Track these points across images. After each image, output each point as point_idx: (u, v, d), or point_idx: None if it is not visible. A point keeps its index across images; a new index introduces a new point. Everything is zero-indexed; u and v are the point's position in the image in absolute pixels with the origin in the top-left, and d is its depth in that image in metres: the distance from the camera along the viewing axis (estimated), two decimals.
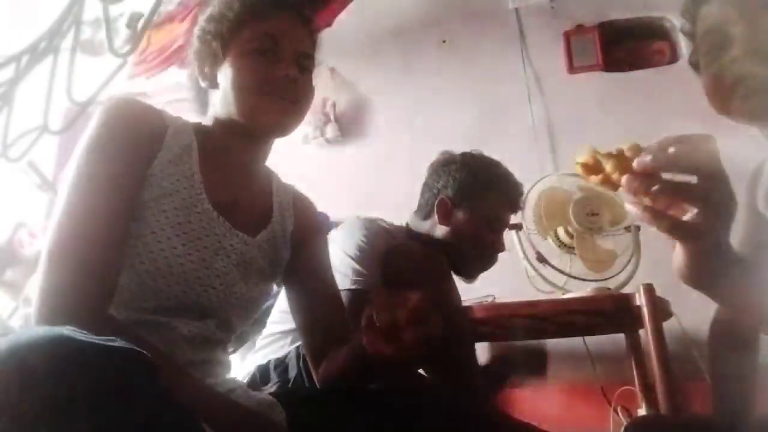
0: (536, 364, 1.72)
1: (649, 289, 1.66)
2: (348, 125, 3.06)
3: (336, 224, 1.64)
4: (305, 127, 2.92)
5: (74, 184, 0.82)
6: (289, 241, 1.04)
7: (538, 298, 1.87)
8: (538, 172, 2.12)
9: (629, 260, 1.86)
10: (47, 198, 2.96)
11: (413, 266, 1.37)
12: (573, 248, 1.85)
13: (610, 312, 1.84)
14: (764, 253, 0.99)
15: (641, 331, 1.95)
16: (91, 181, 0.82)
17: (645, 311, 1.64)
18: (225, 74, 0.93)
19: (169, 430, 0.55)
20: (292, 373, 1.26)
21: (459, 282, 1.61)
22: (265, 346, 1.39)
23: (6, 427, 0.49)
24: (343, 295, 1.25)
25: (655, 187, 0.58)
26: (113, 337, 0.56)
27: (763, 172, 1.04)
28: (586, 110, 2.70)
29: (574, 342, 2.20)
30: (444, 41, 3.06)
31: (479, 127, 2.78)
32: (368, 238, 1.41)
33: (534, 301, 1.82)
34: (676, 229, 0.60)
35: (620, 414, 2.05)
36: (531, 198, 1.86)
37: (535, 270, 1.88)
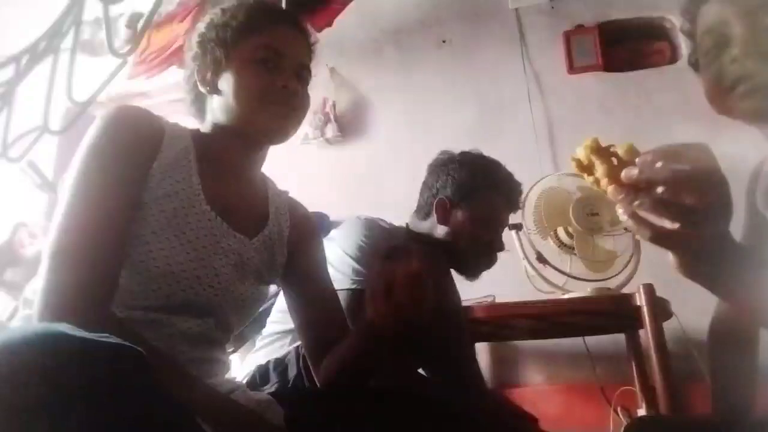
0: None
1: (649, 289, 1.66)
2: (348, 125, 3.05)
3: (336, 224, 1.64)
4: (305, 127, 2.92)
5: (76, 186, 0.83)
6: (285, 244, 1.06)
7: (538, 298, 1.87)
8: (538, 172, 2.12)
9: (629, 260, 1.86)
10: (47, 198, 2.96)
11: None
12: (573, 248, 1.85)
13: (610, 312, 1.84)
14: (764, 252, 0.99)
15: (641, 331, 1.95)
16: (93, 183, 0.84)
17: (645, 311, 1.64)
18: (227, 82, 0.96)
19: (160, 424, 0.56)
20: (292, 372, 1.26)
21: (459, 282, 1.61)
22: (264, 346, 1.39)
23: None
24: (343, 295, 1.25)
25: (636, 202, 0.59)
26: (106, 334, 0.57)
27: (763, 172, 1.04)
28: (586, 110, 2.70)
29: (574, 342, 2.20)
30: (444, 41, 3.06)
31: (479, 127, 2.78)
32: (368, 238, 1.41)
33: (534, 301, 1.83)
34: (658, 240, 0.61)
35: (620, 414, 2.05)
36: (531, 198, 1.87)
37: (535, 270, 1.88)
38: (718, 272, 0.64)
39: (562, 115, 2.76)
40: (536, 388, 2.38)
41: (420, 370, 1.51)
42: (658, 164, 0.58)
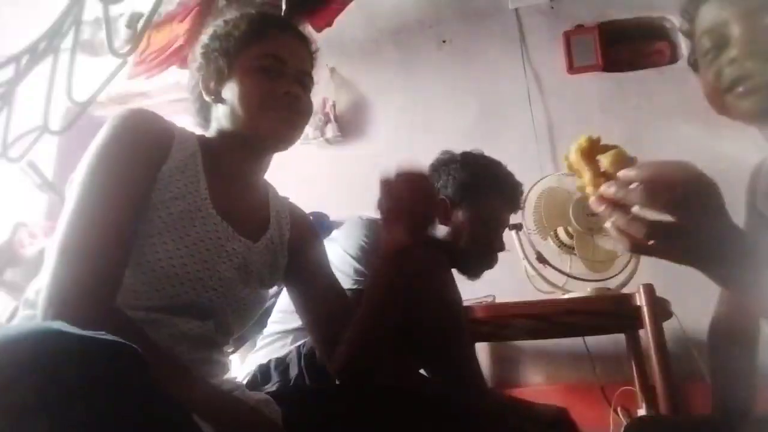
0: None
1: (649, 289, 1.66)
2: (348, 125, 3.05)
3: (336, 224, 1.64)
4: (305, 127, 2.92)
5: (85, 184, 0.84)
6: (286, 248, 1.08)
7: (538, 298, 1.87)
8: (538, 172, 2.12)
9: (629, 260, 1.86)
10: (47, 198, 2.96)
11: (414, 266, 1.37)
12: (573, 248, 1.85)
13: (610, 312, 1.84)
14: (764, 252, 0.99)
15: (641, 331, 1.96)
16: (102, 183, 0.85)
17: (645, 311, 1.64)
18: (231, 90, 0.97)
19: (158, 422, 0.57)
20: (293, 372, 1.26)
21: (459, 282, 1.61)
22: (265, 345, 1.39)
23: None
24: None
25: (612, 218, 0.62)
26: (103, 332, 0.57)
27: (763, 172, 1.04)
28: (586, 110, 2.70)
29: (574, 342, 2.20)
30: (444, 41, 3.06)
31: (479, 127, 2.78)
32: (370, 238, 1.41)
33: (534, 301, 1.83)
34: (638, 251, 0.63)
35: (620, 414, 2.05)
36: (531, 198, 1.87)
37: (535, 270, 1.88)
38: (718, 258, 0.64)
39: (562, 115, 2.76)
40: (536, 388, 2.38)
41: (420, 370, 1.51)
42: (633, 185, 0.60)
